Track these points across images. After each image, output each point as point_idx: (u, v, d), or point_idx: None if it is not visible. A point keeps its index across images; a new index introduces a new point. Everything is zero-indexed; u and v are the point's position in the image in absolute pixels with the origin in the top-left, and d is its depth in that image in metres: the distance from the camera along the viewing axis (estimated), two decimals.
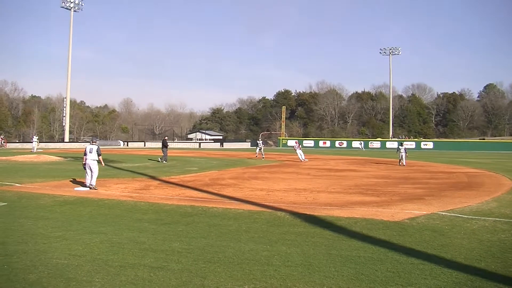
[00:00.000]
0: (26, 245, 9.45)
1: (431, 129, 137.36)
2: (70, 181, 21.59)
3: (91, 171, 18.67)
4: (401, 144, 36.81)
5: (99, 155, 18.79)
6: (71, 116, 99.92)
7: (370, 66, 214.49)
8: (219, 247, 9.37)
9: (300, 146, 44.30)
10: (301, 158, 41.19)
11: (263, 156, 44.07)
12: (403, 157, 34.97)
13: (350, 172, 29.60)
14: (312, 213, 13.17)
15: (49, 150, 58.12)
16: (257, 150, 45.39)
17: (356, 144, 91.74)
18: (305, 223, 11.88)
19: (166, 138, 42.07)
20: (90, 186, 18.55)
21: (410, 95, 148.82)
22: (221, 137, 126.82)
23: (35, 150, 55.10)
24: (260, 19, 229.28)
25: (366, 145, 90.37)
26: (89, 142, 19.67)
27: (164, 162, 36.74)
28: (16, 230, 10.87)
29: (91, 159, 18.66)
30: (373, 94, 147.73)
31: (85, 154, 18.73)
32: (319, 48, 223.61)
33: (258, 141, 47.20)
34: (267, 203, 15.06)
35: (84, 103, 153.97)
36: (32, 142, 61.47)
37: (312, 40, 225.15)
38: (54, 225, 11.50)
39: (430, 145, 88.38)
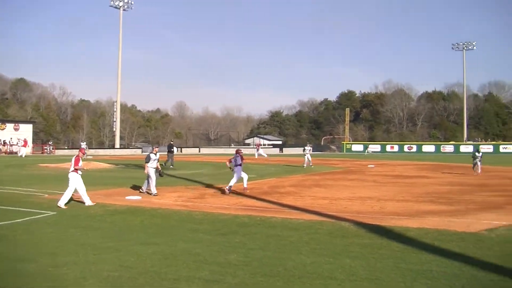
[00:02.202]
0: (76, 256, 9.66)
1: (511, 130, 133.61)
2: (131, 187, 22.21)
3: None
4: (478, 151, 33.90)
5: (146, 162, 20.06)
6: (121, 121, 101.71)
7: (442, 63, 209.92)
8: (279, 259, 9.37)
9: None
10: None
11: (311, 164, 40.95)
12: (478, 165, 32.54)
13: (420, 178, 29.20)
14: (378, 223, 13.04)
15: (99, 157, 59.32)
16: (306, 157, 41.32)
17: (371, 148, 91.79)
18: (371, 234, 11.77)
19: (172, 142, 43.15)
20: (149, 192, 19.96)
21: (486, 93, 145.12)
22: (280, 142, 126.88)
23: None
24: (320, 15, 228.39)
25: (438, 149, 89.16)
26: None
27: (171, 166, 37.98)
28: (66, 241, 11.14)
29: (151, 167, 19.96)
30: (445, 94, 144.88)
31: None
32: (385, 45, 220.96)
33: (306, 147, 43.16)
34: (330, 213, 14.99)
35: (136, 107, 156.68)
36: None
37: (378, 36, 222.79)
38: (104, 236, 11.74)
39: (510, 148, 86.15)
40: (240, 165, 21.17)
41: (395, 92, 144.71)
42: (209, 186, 24.08)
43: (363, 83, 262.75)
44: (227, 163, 21.89)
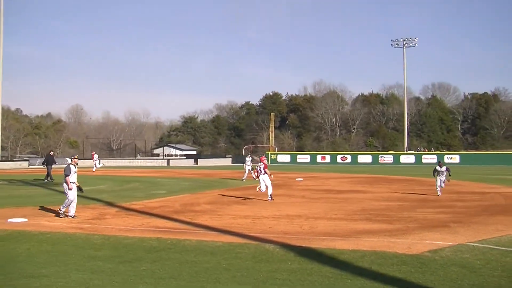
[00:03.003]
0: None
1: (456, 138, 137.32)
2: (39, 209, 21.62)
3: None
4: (441, 163, 28.21)
5: (66, 175, 19.08)
6: (3, 128, 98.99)
7: (380, 62, 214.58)
8: None
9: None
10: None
11: (243, 178, 42.11)
12: (441, 183, 27.79)
13: (356, 193, 29.68)
14: (308, 245, 13.16)
15: None
16: (248, 168, 42.89)
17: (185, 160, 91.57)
18: (300, 257, 11.85)
19: (52, 153, 42.87)
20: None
21: (429, 97, 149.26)
22: (195, 152, 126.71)
23: None
24: (242, 5, 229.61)
25: (375, 160, 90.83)
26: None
27: (50, 180, 39.04)
28: None
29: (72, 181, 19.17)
30: (384, 97, 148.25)
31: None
32: (315, 41, 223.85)
33: (247, 157, 45.39)
34: (253, 234, 15.05)
35: (21, 111, 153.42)
36: None
37: (307, 31, 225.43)
38: None
39: (455, 158, 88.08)
40: (266, 173, 25.81)
41: (327, 95, 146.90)
42: (110, 204, 23.79)
43: (290, 85, 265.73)
44: (254, 174, 27.54)
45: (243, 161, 45.59)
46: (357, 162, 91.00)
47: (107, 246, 13.49)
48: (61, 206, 19.33)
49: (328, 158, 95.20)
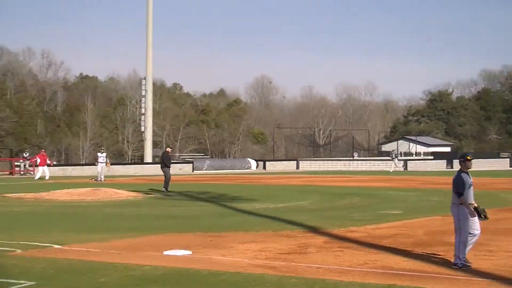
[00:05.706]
0: None
1: None
2: (209, 236, 22.19)
3: None
4: None
5: None
6: (156, 114, 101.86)
7: None
8: None
9: None
10: None
11: None
12: None
13: None
14: None
15: (115, 180, 59.71)
16: None
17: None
18: None
19: (169, 149, 46.74)
20: None
21: None
22: (448, 149, 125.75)
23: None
24: None
25: None
26: None
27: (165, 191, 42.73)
28: None
29: None
30: None
31: None
32: None
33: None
34: None
35: (181, 88, 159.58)
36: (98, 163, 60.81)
37: None
38: None
39: None
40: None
41: None
42: (314, 230, 23.89)
43: None
44: None
45: None
46: None
47: None
48: (459, 250, 16.88)
49: None
